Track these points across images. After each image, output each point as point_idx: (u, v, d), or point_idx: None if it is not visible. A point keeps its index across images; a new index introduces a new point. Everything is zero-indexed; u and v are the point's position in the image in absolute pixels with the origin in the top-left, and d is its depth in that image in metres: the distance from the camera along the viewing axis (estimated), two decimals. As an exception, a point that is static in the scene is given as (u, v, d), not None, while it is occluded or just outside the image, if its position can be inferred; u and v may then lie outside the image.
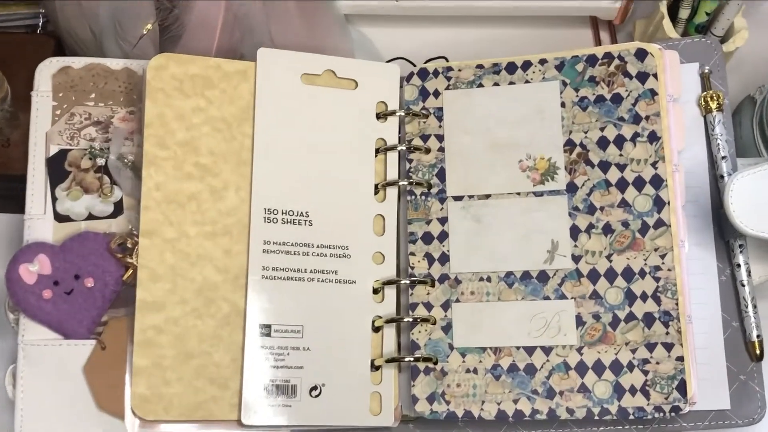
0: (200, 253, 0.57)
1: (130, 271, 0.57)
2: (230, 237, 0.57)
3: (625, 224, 0.56)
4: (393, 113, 0.61)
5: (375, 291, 0.59)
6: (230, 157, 0.58)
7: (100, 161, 0.59)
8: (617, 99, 0.58)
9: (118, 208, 0.59)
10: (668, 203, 0.56)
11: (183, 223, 0.57)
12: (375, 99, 0.61)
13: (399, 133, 0.61)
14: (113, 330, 0.57)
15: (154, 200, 0.56)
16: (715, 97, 0.58)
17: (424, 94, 0.61)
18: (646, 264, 0.56)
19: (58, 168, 0.59)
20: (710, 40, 0.60)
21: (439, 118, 0.61)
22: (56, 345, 0.57)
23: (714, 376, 0.56)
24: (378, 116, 0.61)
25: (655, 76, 0.57)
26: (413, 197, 0.60)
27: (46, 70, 0.60)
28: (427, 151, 0.60)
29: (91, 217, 0.58)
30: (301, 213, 0.58)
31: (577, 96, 0.58)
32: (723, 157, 0.58)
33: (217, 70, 0.59)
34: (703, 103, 0.59)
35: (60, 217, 0.58)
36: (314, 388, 0.57)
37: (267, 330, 0.57)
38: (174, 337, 0.56)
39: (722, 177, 0.58)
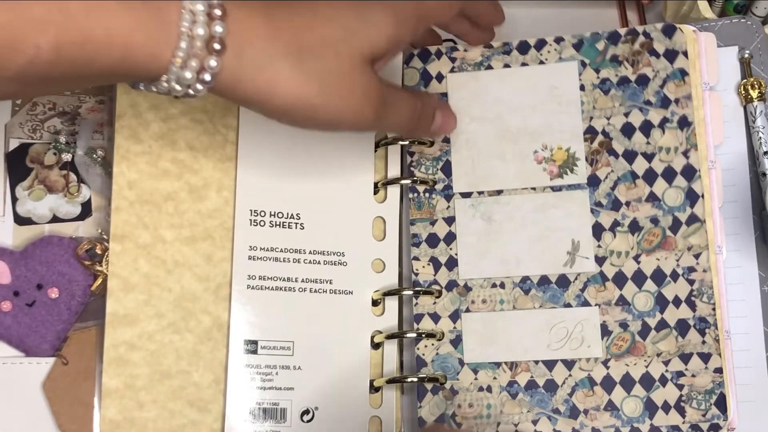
0: (178, 260, 0.54)
1: (100, 280, 0.54)
2: (212, 242, 0.54)
3: (655, 221, 0.54)
4: (394, 101, 0.58)
5: (374, 303, 0.56)
6: (212, 153, 0.55)
7: (66, 157, 0.56)
8: (643, 80, 0.55)
9: (86, 210, 0.56)
10: (702, 196, 0.53)
11: (159, 226, 0.54)
12: None
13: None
14: (77, 343, 0.54)
15: (127, 200, 0.53)
16: (756, 85, 0.56)
17: (426, 78, 0.58)
18: (678, 265, 0.53)
19: (18, 164, 0.56)
20: (751, 21, 0.57)
21: None
22: (16, 363, 0.54)
23: (757, 397, 0.53)
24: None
25: (685, 54, 0.55)
26: (416, 195, 0.57)
27: (6, 55, 0.56)
28: (431, 142, 0.57)
29: (55, 219, 0.56)
30: (292, 215, 0.55)
31: (598, 78, 0.56)
32: (765, 153, 0.55)
33: (197, 54, 0.55)
34: (743, 92, 0.56)
35: (21, 220, 0.56)
36: (306, 411, 0.54)
37: (253, 347, 0.54)
38: (149, 355, 0.53)
39: (764, 174, 0.55)
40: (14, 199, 0.56)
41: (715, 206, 0.54)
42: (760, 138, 0.55)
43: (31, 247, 0.55)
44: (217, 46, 0.41)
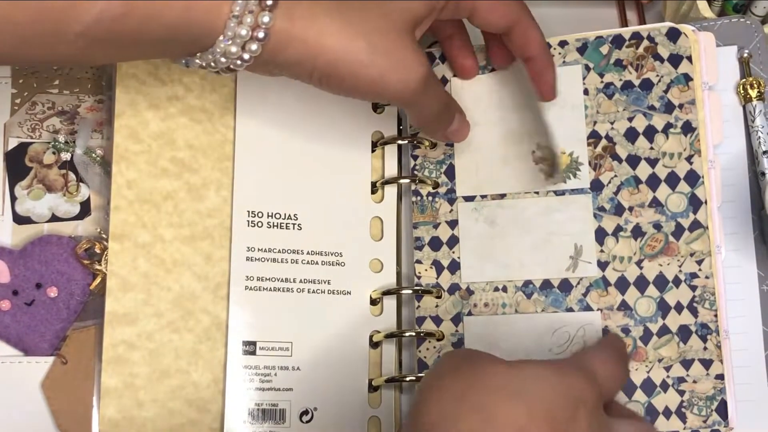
0: (177, 259, 0.53)
1: (99, 279, 0.54)
2: (211, 241, 0.54)
3: (657, 226, 0.53)
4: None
5: (373, 302, 0.56)
6: (211, 152, 0.55)
7: (65, 156, 0.56)
8: (647, 85, 0.55)
9: (85, 209, 0.56)
10: (705, 203, 0.53)
11: (158, 225, 0.53)
12: None
13: (400, 125, 0.58)
14: (76, 342, 0.54)
15: (126, 199, 0.53)
16: (755, 85, 0.55)
17: None
18: (680, 271, 0.53)
19: (17, 163, 0.56)
20: (750, 21, 0.57)
21: None
22: (15, 362, 0.53)
23: (755, 397, 0.53)
24: (374, 105, 0.57)
25: (689, 59, 0.54)
26: (419, 198, 0.56)
27: (5, 54, 0.56)
28: (434, 145, 0.57)
29: (54, 218, 0.55)
30: (289, 216, 0.55)
31: (602, 82, 0.55)
32: (764, 152, 0.55)
33: (196, 54, 0.55)
34: (742, 91, 0.56)
35: (20, 219, 0.55)
36: (305, 412, 0.54)
37: (252, 347, 0.53)
38: (148, 354, 0.52)
39: (763, 174, 0.54)
40: (13, 198, 0.55)
41: (714, 206, 0.53)
42: (759, 137, 0.55)
43: (30, 246, 0.54)
44: (269, 2, 0.43)
